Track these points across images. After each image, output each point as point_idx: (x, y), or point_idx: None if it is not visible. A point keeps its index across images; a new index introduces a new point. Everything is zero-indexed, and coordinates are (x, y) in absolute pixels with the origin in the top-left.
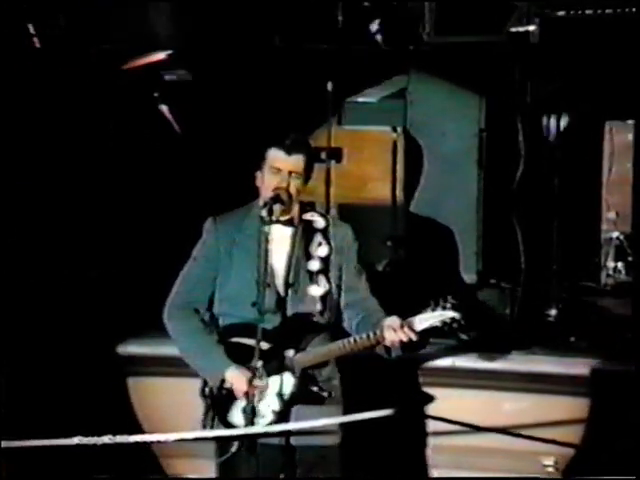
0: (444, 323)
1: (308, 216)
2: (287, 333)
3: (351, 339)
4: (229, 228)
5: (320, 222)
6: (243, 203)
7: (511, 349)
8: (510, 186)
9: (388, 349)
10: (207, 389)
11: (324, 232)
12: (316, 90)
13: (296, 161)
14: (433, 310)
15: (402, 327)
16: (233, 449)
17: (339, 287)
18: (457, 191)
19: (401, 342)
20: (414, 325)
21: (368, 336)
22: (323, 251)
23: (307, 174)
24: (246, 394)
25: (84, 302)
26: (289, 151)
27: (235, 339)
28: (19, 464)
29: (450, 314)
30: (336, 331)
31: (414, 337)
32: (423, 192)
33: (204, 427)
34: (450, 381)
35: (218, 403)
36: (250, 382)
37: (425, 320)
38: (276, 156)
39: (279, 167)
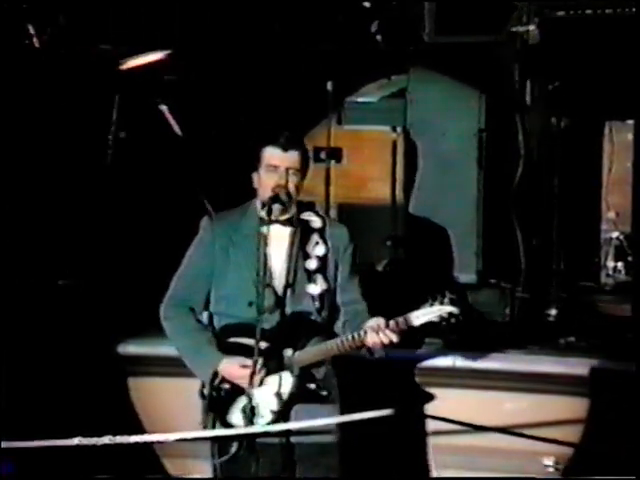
0: (442, 318)
1: (305, 216)
2: (285, 332)
3: (343, 338)
4: (226, 227)
5: (317, 222)
6: (242, 203)
7: (511, 349)
8: (510, 186)
9: (370, 350)
10: (206, 390)
11: (321, 232)
12: (316, 90)
13: (293, 157)
14: (431, 305)
15: (385, 328)
16: (232, 450)
17: (335, 286)
18: (457, 191)
19: (382, 344)
20: (412, 321)
21: (353, 337)
22: (320, 250)
23: (304, 170)
24: (249, 377)
25: (84, 302)
26: (285, 148)
27: (233, 339)
28: (19, 464)
29: (448, 309)
30: (334, 330)
31: (395, 339)
32: (423, 192)
33: (204, 429)
34: (450, 381)
35: (217, 404)
36: (246, 367)
37: (423, 315)
38: (272, 154)
39: (276, 164)
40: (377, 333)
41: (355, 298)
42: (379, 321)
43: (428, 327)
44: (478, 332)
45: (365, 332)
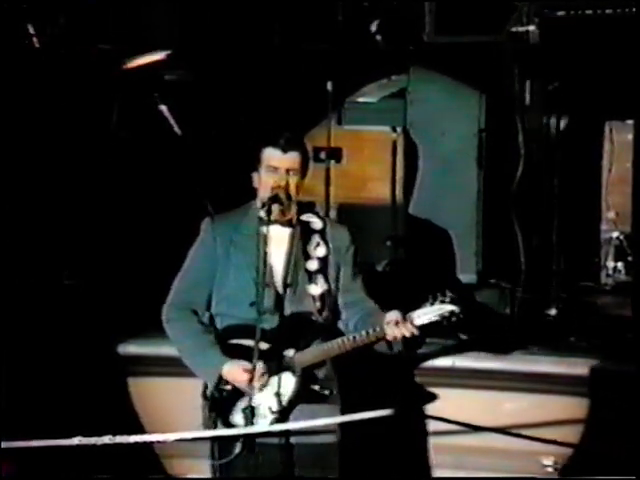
0: (443, 317)
1: (305, 217)
2: (286, 333)
3: (350, 337)
4: (227, 228)
5: (317, 223)
6: (242, 203)
7: (511, 349)
8: (510, 186)
9: (390, 344)
10: (208, 391)
11: (321, 233)
12: (316, 90)
13: (292, 158)
14: (432, 304)
15: (404, 321)
16: (236, 450)
17: (336, 288)
18: (457, 191)
19: (403, 337)
20: (413, 320)
21: (368, 333)
22: (321, 251)
23: (303, 171)
24: (249, 381)
25: (85, 302)
26: (284, 149)
27: (234, 340)
28: (19, 464)
29: (449, 308)
30: (334, 330)
31: (416, 331)
32: (423, 192)
33: (206, 429)
34: (450, 381)
35: (219, 405)
36: (249, 371)
37: (424, 314)
38: (272, 155)
39: (276, 166)
40: (397, 325)
41: (362, 297)
42: (397, 315)
43: (429, 327)
44: (478, 332)
45: (382, 326)
